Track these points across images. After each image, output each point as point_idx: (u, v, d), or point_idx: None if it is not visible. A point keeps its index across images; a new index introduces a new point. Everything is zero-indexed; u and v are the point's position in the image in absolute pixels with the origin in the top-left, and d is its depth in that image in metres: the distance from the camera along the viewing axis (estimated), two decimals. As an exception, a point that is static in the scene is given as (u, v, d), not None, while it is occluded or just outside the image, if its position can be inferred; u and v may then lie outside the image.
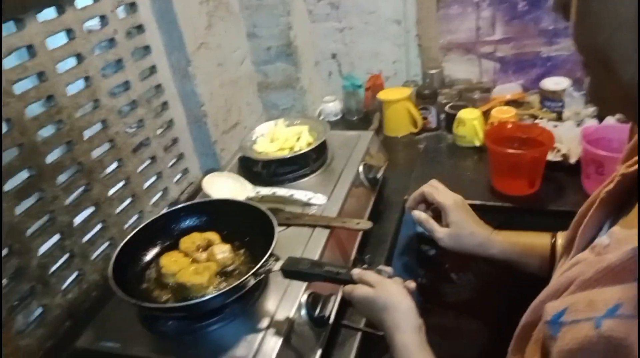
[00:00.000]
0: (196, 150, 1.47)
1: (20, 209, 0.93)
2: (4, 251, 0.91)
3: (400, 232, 1.29)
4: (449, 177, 1.37)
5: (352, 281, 0.77)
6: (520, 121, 1.45)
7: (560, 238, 0.88)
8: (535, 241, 0.90)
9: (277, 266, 0.78)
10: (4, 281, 0.91)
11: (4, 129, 0.91)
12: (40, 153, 0.96)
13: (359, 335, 0.92)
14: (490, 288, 1.67)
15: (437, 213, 1.00)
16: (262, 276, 0.79)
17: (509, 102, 1.58)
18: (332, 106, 1.76)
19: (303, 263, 0.77)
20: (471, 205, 1.28)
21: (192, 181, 1.46)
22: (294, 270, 0.77)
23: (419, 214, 1.01)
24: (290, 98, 1.72)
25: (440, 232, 0.96)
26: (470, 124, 1.43)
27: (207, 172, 1.42)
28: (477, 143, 1.44)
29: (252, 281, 0.77)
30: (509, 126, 1.29)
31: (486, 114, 1.49)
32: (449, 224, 0.95)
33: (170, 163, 1.36)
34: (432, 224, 0.98)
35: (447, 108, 1.54)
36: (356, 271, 0.79)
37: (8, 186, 0.91)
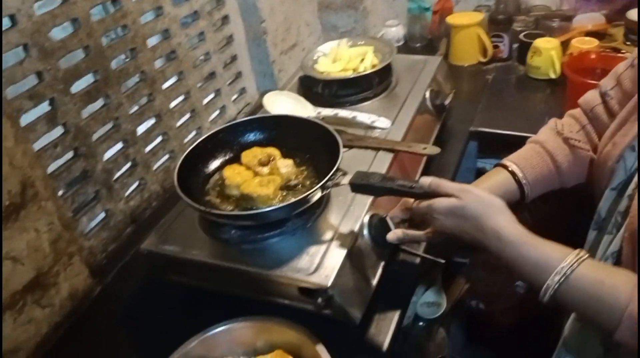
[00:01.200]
0: (254, 69, 1.44)
1: (86, 112, 0.94)
2: (70, 154, 0.93)
3: (461, 164, 1.24)
4: (518, 110, 1.30)
5: (426, 195, 0.72)
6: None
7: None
8: (496, 178, 0.88)
9: (346, 179, 0.75)
10: (70, 181, 0.94)
11: (70, 29, 0.90)
12: (105, 57, 0.95)
13: (417, 261, 0.91)
14: (545, 228, 1.62)
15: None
16: (329, 189, 0.77)
17: (589, 34, 1.45)
18: (395, 31, 1.66)
19: (373, 177, 0.74)
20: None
21: (249, 101, 1.44)
22: (363, 183, 0.74)
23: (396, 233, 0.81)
24: (351, 20, 1.64)
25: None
26: (547, 54, 1.33)
27: (264, 93, 1.39)
28: (553, 75, 1.34)
29: (319, 195, 0.76)
30: (592, 56, 1.19)
31: (565, 45, 1.38)
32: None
33: (229, 81, 1.34)
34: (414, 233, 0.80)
35: (521, 36, 1.43)
36: (428, 181, 0.72)
37: (75, 88, 0.91)
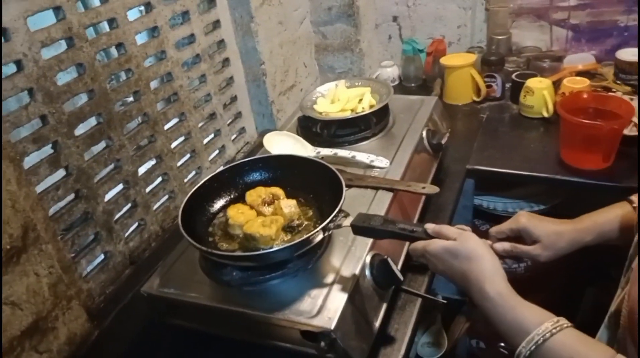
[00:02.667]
0: (253, 110, 1.46)
1: (88, 155, 0.95)
2: (72, 196, 0.93)
3: (459, 202, 1.25)
4: (513, 148, 1.32)
5: (427, 237, 0.74)
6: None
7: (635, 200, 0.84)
8: (618, 211, 0.84)
9: (347, 221, 0.76)
10: (71, 224, 0.94)
11: (77, 74, 0.92)
12: (109, 100, 0.97)
13: (419, 301, 0.91)
14: (545, 267, 1.62)
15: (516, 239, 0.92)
16: (331, 231, 0.77)
17: (580, 73, 1.49)
18: (390, 71, 1.70)
19: (375, 220, 0.75)
20: (537, 178, 1.24)
21: (248, 141, 1.46)
22: (365, 226, 0.75)
23: (503, 245, 0.90)
24: (348, 61, 1.68)
25: (536, 249, 0.87)
26: (540, 93, 1.36)
27: (263, 133, 1.41)
28: (546, 114, 1.37)
29: (320, 236, 0.76)
30: (585, 95, 1.22)
31: (556, 85, 1.41)
32: (537, 239, 0.87)
33: (229, 121, 1.36)
34: (522, 248, 0.88)
35: (514, 76, 1.47)
36: (432, 226, 0.75)
37: (79, 131, 0.92)
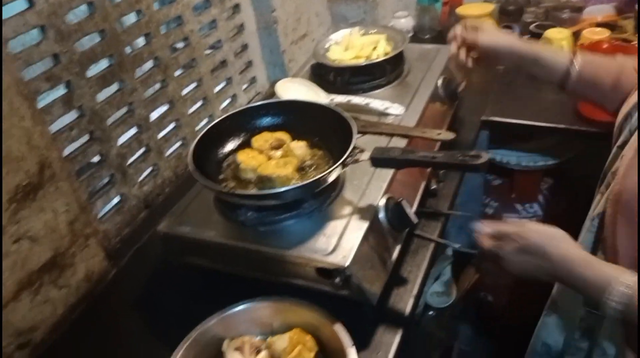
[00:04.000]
0: (264, 59, 1.44)
1: (101, 96, 0.94)
2: (86, 137, 0.93)
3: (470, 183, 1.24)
4: (529, 100, 1.30)
5: (446, 165, 0.74)
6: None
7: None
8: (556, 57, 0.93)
9: (365, 155, 0.76)
10: (87, 167, 0.94)
11: (87, 12, 0.90)
12: (120, 41, 0.95)
13: (431, 246, 0.91)
14: (555, 222, 1.62)
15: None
16: (348, 166, 0.77)
17: (600, 25, 1.44)
18: (404, 22, 1.66)
19: (393, 151, 0.75)
20: (553, 129, 1.22)
21: (260, 90, 1.44)
22: (384, 157, 0.75)
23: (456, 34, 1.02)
24: (361, 11, 1.64)
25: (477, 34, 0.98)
26: (558, 44, 1.33)
27: (274, 82, 1.39)
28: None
29: (337, 173, 0.76)
30: (604, 46, 1.19)
31: (575, 36, 1.38)
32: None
33: (240, 70, 1.34)
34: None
35: (532, 27, 1.43)
36: (488, 229, 0.77)
37: (91, 72, 0.91)
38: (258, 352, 0.72)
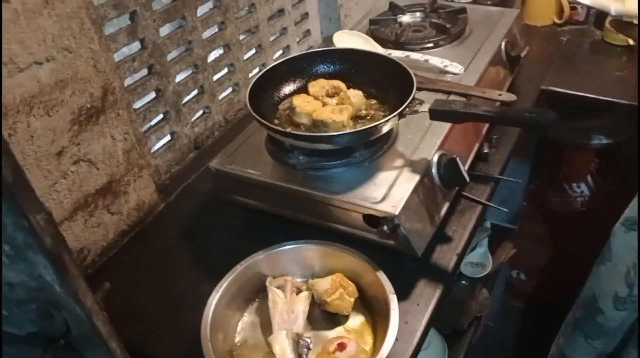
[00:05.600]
0: (320, 12, 1.42)
1: (163, 32, 0.95)
2: (146, 70, 0.94)
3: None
4: (592, 74, 1.25)
5: (515, 120, 0.70)
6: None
7: None
8: None
9: (424, 107, 0.74)
10: (144, 100, 0.96)
11: (156, -55, 0.90)
12: (186, -24, 0.95)
13: (479, 208, 0.90)
14: (602, 204, 1.57)
15: None
16: (405, 117, 0.76)
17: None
18: (466, -13, 1.60)
19: (455, 104, 0.73)
20: (614, 104, 1.17)
21: (312, 44, 1.42)
22: (445, 109, 0.73)
23: None
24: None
25: None
26: (631, 18, 1.26)
27: (327, 38, 1.38)
28: (631, 42, 1.27)
29: (393, 122, 0.75)
30: (682, 21, 1.12)
31: (649, 11, 1.30)
32: None
33: (295, 20, 1.33)
34: None
35: None
36: None
37: (156, 5, 0.92)
38: (299, 291, 0.73)
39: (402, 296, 0.74)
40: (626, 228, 0.85)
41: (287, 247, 0.75)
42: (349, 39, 1.10)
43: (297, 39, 1.36)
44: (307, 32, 1.40)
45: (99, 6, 0.81)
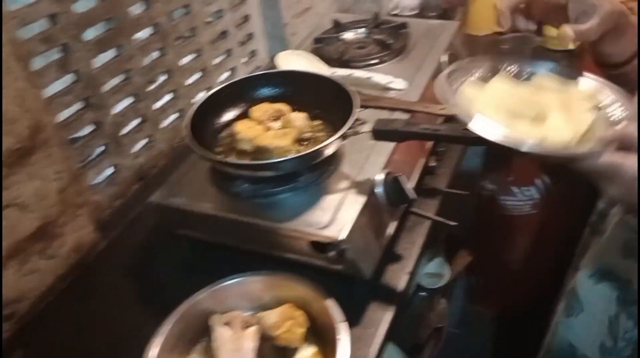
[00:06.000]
0: (266, 31, 1.41)
1: (98, 62, 0.92)
2: (81, 103, 0.91)
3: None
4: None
5: (448, 138, 0.70)
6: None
7: None
8: None
9: (367, 127, 0.74)
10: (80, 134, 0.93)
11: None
12: (119, 4, 0.93)
13: (427, 224, 0.90)
14: (552, 207, 1.61)
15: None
16: (348, 139, 0.76)
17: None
18: (410, 0, 1.63)
19: (396, 123, 0.73)
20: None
21: (260, 64, 1.41)
22: (387, 129, 0.73)
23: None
24: (366, -14, 1.60)
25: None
26: (567, 25, 1.30)
27: (274, 56, 1.37)
28: (571, 46, 1.31)
29: (337, 145, 0.74)
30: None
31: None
32: None
33: (240, 42, 1.32)
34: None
35: (540, 7, 1.40)
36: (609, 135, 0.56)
37: (88, 35, 0.89)
38: (248, 326, 0.71)
39: (354, 322, 0.72)
40: (597, 279, 0.81)
41: (232, 281, 0.72)
42: (293, 60, 1.10)
43: (244, 60, 1.35)
44: (254, 52, 1.39)
45: (26, 41, 0.78)
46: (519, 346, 1.21)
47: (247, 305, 0.74)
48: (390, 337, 0.74)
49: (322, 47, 1.17)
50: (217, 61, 1.23)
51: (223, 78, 1.27)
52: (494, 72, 0.73)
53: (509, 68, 0.73)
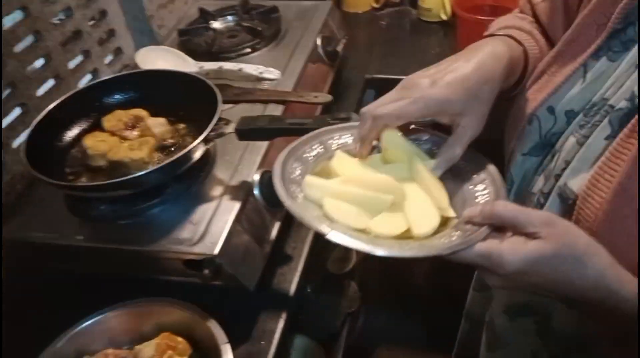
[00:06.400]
0: (129, 26, 1.28)
1: None
2: None
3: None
4: (413, 55, 1.28)
5: (316, 126, 0.63)
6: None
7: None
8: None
9: (230, 128, 0.68)
10: None
11: None
12: None
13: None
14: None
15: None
16: (212, 143, 0.69)
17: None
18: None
19: (261, 120, 0.67)
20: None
21: (127, 63, 1.29)
22: (252, 128, 0.67)
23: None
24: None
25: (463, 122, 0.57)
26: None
27: (143, 52, 1.26)
28: (444, 17, 1.32)
29: (201, 150, 0.68)
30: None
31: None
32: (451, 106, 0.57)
33: (99, 40, 1.19)
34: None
35: None
36: (477, 210, 0.50)
37: None
38: (125, 362, 0.63)
39: (244, 338, 0.67)
40: (512, 316, 0.72)
41: (93, 320, 0.64)
42: (155, 56, 1.00)
43: (107, 60, 1.22)
44: (119, 51, 1.26)
45: None
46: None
47: (122, 340, 0.67)
48: (286, 344, 0.70)
49: (189, 39, 1.09)
50: (72, 64, 1.10)
51: (84, 82, 1.14)
52: (328, 150, 0.62)
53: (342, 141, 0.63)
